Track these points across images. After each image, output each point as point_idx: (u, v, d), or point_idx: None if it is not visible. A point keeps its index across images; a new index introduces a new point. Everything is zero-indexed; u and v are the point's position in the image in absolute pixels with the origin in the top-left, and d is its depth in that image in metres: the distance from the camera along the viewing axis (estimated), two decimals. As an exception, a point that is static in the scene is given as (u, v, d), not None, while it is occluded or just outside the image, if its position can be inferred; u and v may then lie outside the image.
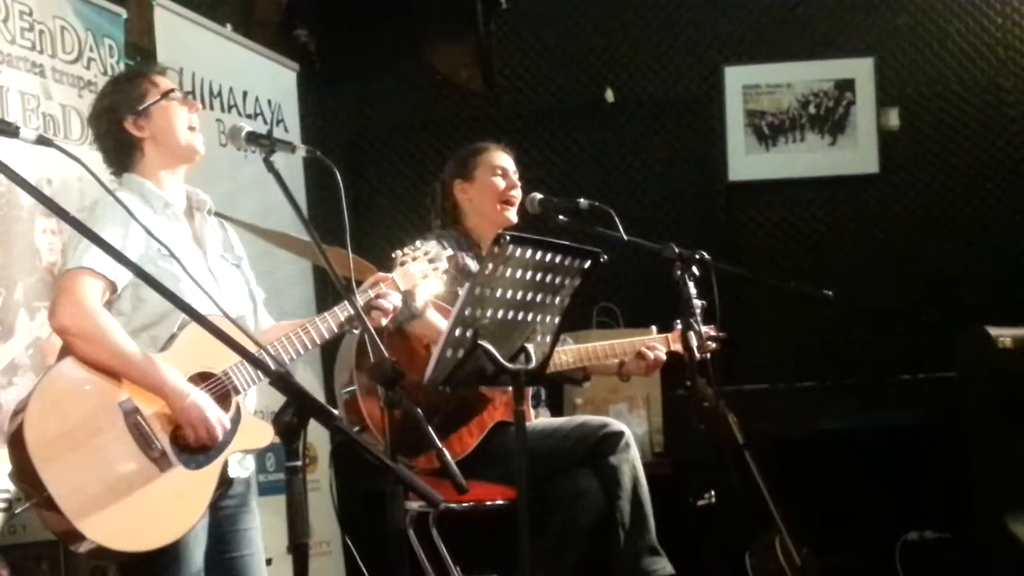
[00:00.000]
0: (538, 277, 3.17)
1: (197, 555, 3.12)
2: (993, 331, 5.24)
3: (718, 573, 4.46)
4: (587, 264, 3.24)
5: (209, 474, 3.09)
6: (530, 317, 3.20)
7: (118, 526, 2.92)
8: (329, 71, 6.11)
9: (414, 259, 3.52)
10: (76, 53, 4.27)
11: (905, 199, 6.15)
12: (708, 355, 3.89)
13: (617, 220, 4.05)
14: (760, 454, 5.14)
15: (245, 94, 5.20)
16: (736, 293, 5.53)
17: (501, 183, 4.30)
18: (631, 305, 5.88)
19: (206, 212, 3.38)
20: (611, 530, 4.07)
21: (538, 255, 3.14)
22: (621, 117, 6.28)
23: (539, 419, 4.29)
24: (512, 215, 4.29)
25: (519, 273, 3.12)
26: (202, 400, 3.06)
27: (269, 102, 5.34)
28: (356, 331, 3.46)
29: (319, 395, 4.92)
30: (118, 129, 3.28)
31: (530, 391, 4.09)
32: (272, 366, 2.18)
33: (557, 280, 3.21)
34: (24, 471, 2.91)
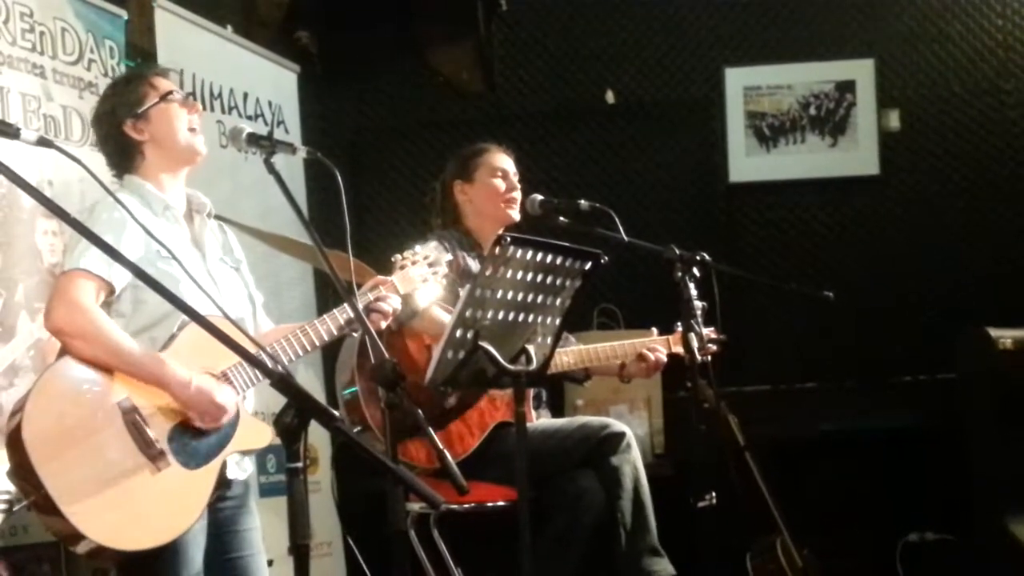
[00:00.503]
0: (539, 278, 3.16)
1: (196, 556, 3.12)
2: (993, 332, 5.24)
3: (719, 574, 4.44)
4: (588, 265, 3.24)
5: (207, 474, 3.08)
6: (531, 318, 3.20)
7: (115, 525, 2.92)
8: (330, 72, 6.10)
9: (414, 263, 3.51)
10: (77, 54, 4.27)
11: (905, 200, 6.14)
12: (709, 357, 3.89)
13: (618, 221, 4.05)
14: (761, 455, 5.15)
15: (246, 95, 5.19)
16: (737, 294, 5.52)
17: (501, 185, 4.30)
18: (632, 306, 5.87)
19: (206, 215, 3.38)
20: (612, 531, 4.07)
21: (539, 256, 3.14)
22: (622, 119, 6.27)
23: (540, 420, 4.28)
24: (515, 213, 4.29)
25: (520, 274, 3.12)
26: (206, 384, 3.06)
27: (270, 103, 5.34)
28: (356, 334, 3.46)
29: (320, 396, 4.92)
30: (118, 132, 3.28)
31: (531, 392, 4.09)
32: (272, 367, 2.18)
33: (558, 281, 3.21)
34: (22, 469, 2.91)
